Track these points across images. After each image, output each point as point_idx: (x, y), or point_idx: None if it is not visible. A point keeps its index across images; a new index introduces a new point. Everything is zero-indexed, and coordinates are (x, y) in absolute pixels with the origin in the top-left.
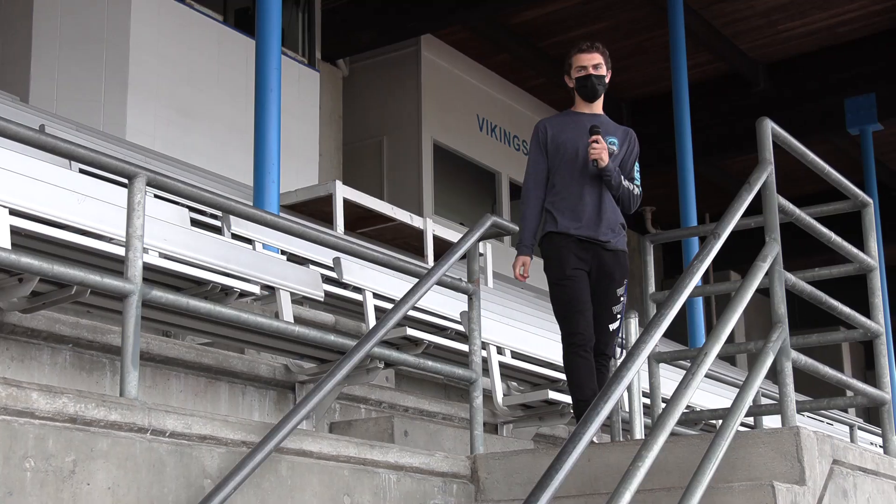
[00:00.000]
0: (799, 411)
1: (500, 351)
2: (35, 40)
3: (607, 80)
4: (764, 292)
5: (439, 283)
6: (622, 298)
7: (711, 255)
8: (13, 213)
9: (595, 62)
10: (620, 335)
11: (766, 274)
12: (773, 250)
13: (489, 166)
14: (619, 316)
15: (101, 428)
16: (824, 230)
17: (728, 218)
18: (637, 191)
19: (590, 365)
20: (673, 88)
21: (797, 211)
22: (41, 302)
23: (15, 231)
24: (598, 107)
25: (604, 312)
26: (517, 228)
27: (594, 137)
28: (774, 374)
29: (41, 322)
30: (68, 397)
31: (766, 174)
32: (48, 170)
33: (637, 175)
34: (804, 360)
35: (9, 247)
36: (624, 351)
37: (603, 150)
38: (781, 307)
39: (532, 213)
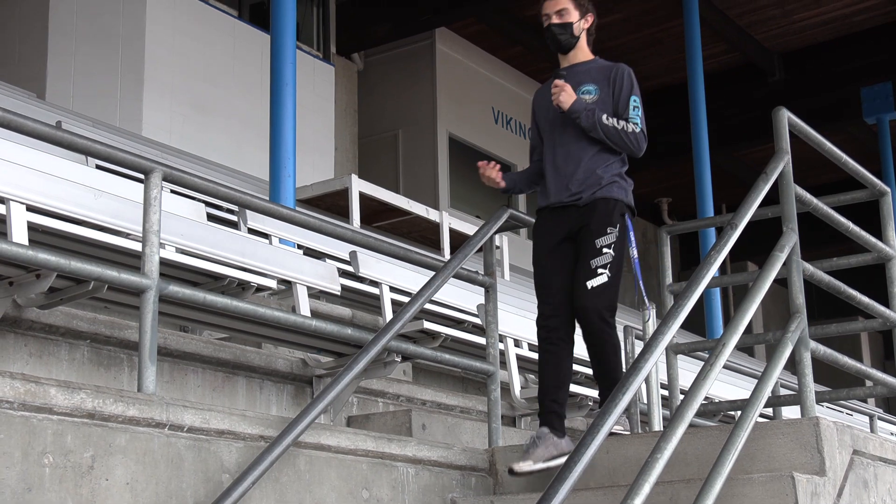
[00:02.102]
0: (818, 402)
1: (517, 343)
2: (51, 37)
3: (584, 26)
4: (781, 282)
5: (456, 275)
6: (606, 251)
7: (729, 245)
8: (30, 209)
9: (558, 7)
10: (639, 291)
11: (784, 264)
12: (791, 240)
13: (505, 158)
14: (601, 271)
15: (119, 423)
16: (842, 219)
17: (745, 208)
18: (631, 127)
19: (554, 358)
20: (688, 79)
21: (814, 200)
22: (59, 298)
23: (32, 227)
24: (582, 55)
25: (581, 269)
26: (533, 221)
27: (553, 82)
28: (793, 365)
29: (59, 318)
30: (86, 393)
31: (783, 164)
32: (65, 166)
33: (634, 112)
34: (823, 350)
35: (26, 243)
36: (649, 311)
37: (561, 91)
38: (800, 297)
39: (521, 173)
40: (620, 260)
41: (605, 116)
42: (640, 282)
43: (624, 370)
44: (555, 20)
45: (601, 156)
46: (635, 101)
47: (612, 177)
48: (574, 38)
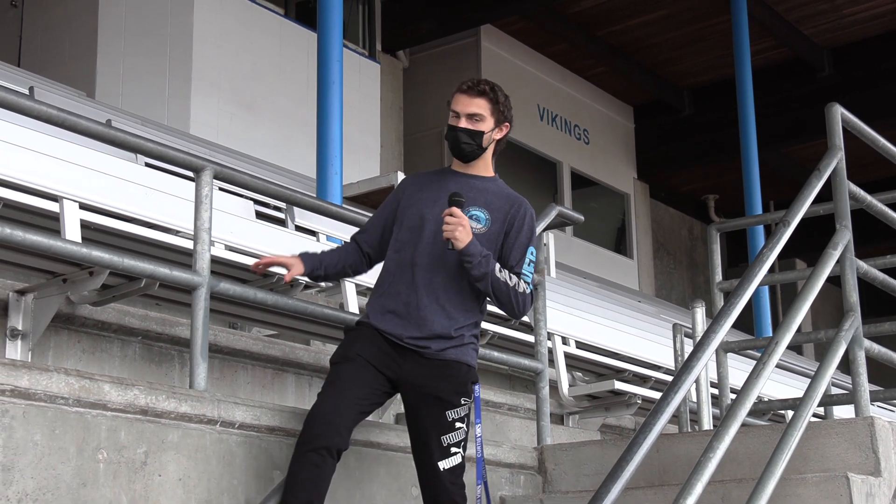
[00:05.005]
0: (871, 401)
1: (565, 341)
2: (101, 37)
3: (496, 136)
4: (831, 280)
5: None
6: (459, 425)
7: (781, 243)
8: (83, 207)
9: (472, 110)
10: (481, 479)
11: (837, 262)
12: (844, 238)
13: (550, 156)
14: (454, 451)
15: (171, 420)
16: None
17: (798, 205)
18: (523, 286)
19: (319, 471)
20: (736, 75)
21: (868, 197)
22: (111, 295)
23: (85, 225)
24: (483, 168)
25: (429, 446)
26: (581, 218)
27: (449, 210)
28: (846, 364)
29: (111, 315)
30: (139, 389)
31: (837, 160)
32: (116, 164)
33: (528, 269)
34: (877, 348)
35: (80, 240)
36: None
37: (457, 226)
38: (853, 295)
39: (329, 253)
40: (468, 437)
41: (498, 268)
42: (484, 484)
43: None
44: (464, 123)
45: (466, 306)
46: (532, 255)
47: (470, 336)
48: (480, 150)
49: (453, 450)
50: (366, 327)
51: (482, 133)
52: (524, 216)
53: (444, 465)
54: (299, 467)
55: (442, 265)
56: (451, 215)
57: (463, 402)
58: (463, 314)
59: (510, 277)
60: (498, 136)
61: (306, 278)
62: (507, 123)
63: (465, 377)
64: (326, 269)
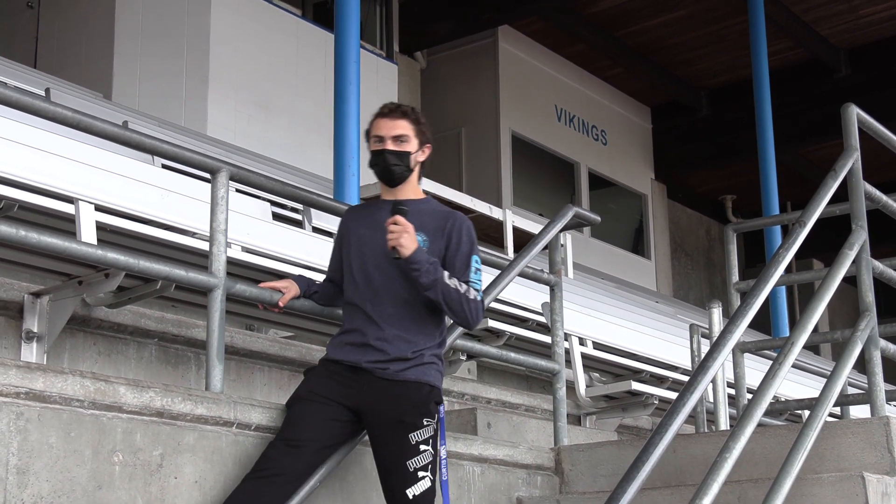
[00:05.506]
0: (888, 400)
1: (582, 342)
2: (117, 38)
3: (420, 158)
4: (847, 280)
5: (521, 274)
6: (424, 448)
7: (797, 243)
8: (99, 209)
9: (397, 132)
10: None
11: (853, 262)
12: (860, 238)
13: (568, 156)
14: (422, 475)
15: (187, 422)
16: None
17: (814, 206)
18: (473, 293)
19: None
20: (753, 76)
21: (884, 198)
22: (127, 297)
23: (101, 227)
24: (412, 191)
25: (393, 472)
26: (598, 219)
27: (393, 218)
28: (862, 364)
29: (127, 317)
30: (155, 391)
31: (852, 161)
32: (132, 166)
33: (476, 276)
34: (893, 348)
35: (95, 242)
36: None
37: (402, 233)
38: (869, 295)
39: (321, 283)
40: (436, 460)
41: (446, 275)
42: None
43: None
44: (390, 146)
45: (425, 330)
46: (476, 263)
47: (431, 356)
48: (409, 172)
49: (421, 474)
50: (323, 363)
51: (409, 154)
52: (460, 228)
53: (412, 492)
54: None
55: (392, 296)
56: (394, 223)
57: (426, 422)
58: (423, 338)
59: (460, 285)
60: (421, 158)
61: (303, 299)
62: (429, 145)
63: (427, 397)
64: (319, 288)
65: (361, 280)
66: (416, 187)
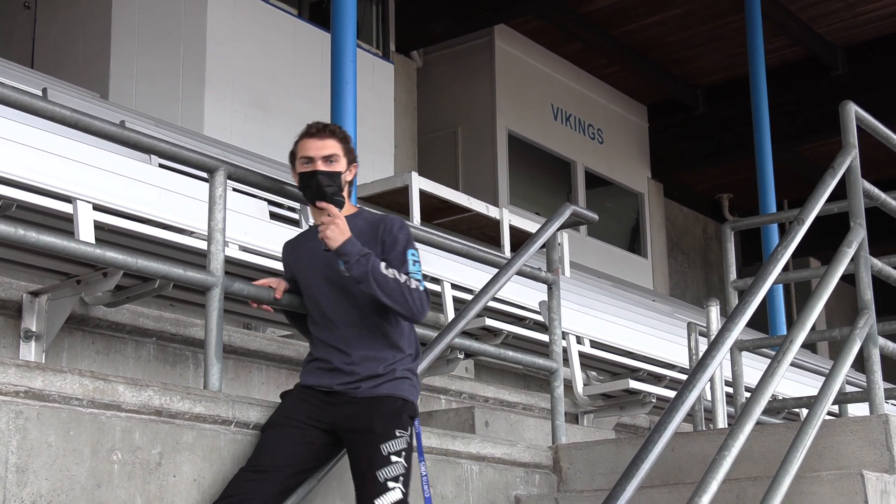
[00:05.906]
0: (886, 398)
1: (579, 340)
2: (114, 38)
3: (348, 178)
4: (846, 278)
5: (518, 272)
6: (395, 459)
7: (796, 241)
8: (97, 208)
9: (326, 152)
10: None
11: (852, 260)
12: (859, 235)
13: (564, 155)
14: (392, 486)
15: (186, 420)
16: None
17: (812, 203)
18: (414, 283)
19: None
20: (750, 74)
21: (882, 195)
22: (125, 296)
23: (99, 226)
24: (343, 210)
25: (364, 481)
26: (595, 217)
27: (321, 204)
28: (860, 362)
29: (125, 316)
30: (153, 390)
31: (851, 158)
32: (130, 165)
33: (415, 267)
34: (892, 346)
35: (93, 241)
36: None
37: (332, 223)
38: (868, 293)
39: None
40: (410, 474)
41: (383, 266)
42: None
43: None
44: (321, 166)
45: (395, 347)
46: (414, 255)
47: (403, 371)
48: (340, 191)
49: (391, 484)
50: (297, 388)
51: (340, 173)
52: (391, 228)
53: (380, 502)
54: None
55: (345, 320)
56: (323, 217)
57: (398, 433)
58: (392, 353)
59: (400, 275)
60: (349, 177)
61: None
62: (356, 164)
63: (401, 410)
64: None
65: (314, 311)
66: (349, 204)
